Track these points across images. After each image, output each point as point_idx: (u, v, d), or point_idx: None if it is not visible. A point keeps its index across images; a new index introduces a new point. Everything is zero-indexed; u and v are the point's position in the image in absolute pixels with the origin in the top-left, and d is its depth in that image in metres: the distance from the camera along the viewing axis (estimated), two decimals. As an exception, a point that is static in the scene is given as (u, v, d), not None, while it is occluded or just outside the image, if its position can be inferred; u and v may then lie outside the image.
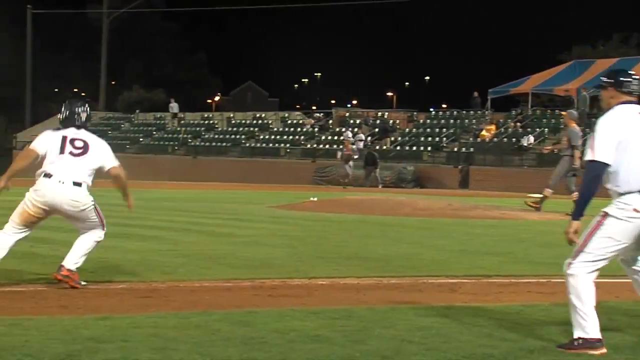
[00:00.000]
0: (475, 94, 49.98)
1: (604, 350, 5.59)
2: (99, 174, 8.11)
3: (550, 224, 17.77)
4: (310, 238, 13.14)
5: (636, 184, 5.71)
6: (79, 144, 7.94)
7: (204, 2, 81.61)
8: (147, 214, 17.19)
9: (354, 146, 40.68)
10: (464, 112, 49.20)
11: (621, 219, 5.71)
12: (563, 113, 21.32)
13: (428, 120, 49.74)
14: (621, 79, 5.88)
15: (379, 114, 52.71)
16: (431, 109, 55.42)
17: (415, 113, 51.53)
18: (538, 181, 37.02)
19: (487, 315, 6.76)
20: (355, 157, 39.32)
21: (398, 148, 45.40)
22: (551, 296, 8.07)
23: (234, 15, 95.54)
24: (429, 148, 44.48)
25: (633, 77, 5.91)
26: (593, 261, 5.80)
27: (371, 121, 49.96)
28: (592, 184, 5.79)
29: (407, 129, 48.71)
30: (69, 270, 7.76)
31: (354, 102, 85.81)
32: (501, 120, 46.28)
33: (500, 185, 37.87)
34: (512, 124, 45.09)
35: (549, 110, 47.58)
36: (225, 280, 8.51)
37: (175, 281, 8.36)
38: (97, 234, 8.01)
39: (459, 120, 47.90)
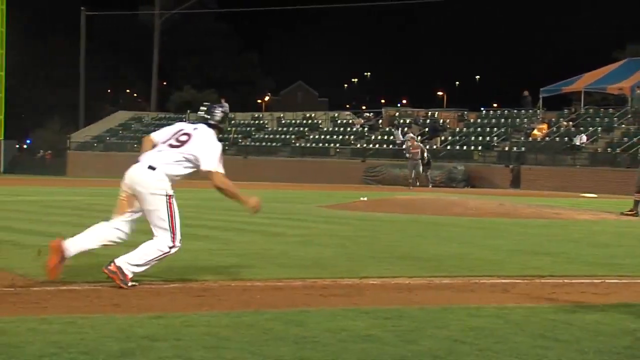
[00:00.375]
0: (526, 92, 49.54)
1: None
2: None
3: (604, 224, 17.58)
4: (361, 238, 13.14)
5: None
6: (183, 137, 7.93)
7: (256, 2, 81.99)
8: (199, 214, 17.33)
9: (419, 143, 40.18)
10: (515, 111, 48.81)
11: None
12: None
13: (479, 120, 49.45)
14: None
15: (429, 113, 52.52)
16: (482, 108, 55.05)
17: (465, 112, 51.24)
18: (590, 181, 36.78)
19: (540, 316, 6.70)
20: (425, 154, 38.96)
21: (448, 147, 45.21)
22: (605, 297, 7.97)
23: (284, 15, 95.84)
24: (480, 147, 44.23)
25: None
26: None
27: (421, 120, 49.77)
28: None
29: (458, 129, 48.47)
30: (117, 267, 7.62)
31: (404, 101, 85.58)
32: (553, 120, 45.84)
33: (552, 184, 37.56)
34: (565, 123, 44.63)
35: (602, 109, 47.01)
36: (276, 279, 8.53)
37: (227, 280, 8.41)
38: (163, 243, 7.72)
39: (510, 120, 47.54)
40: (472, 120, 49.45)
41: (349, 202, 22.21)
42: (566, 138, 42.44)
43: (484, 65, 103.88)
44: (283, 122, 56.97)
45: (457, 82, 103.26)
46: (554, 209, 21.17)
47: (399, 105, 76.75)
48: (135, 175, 7.74)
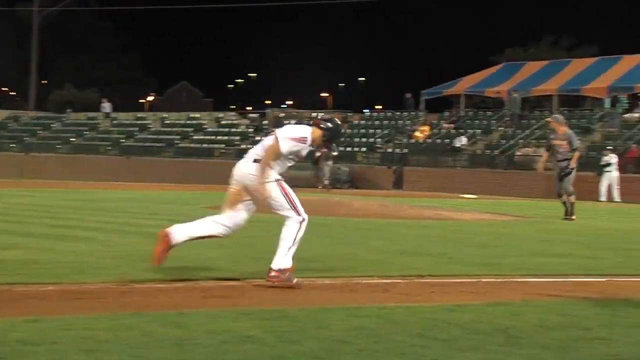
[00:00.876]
0: (408, 95, 50.39)
1: None
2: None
3: (484, 225, 18.00)
4: (244, 238, 13.05)
5: None
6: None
7: (139, 1, 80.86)
8: (79, 215, 16.99)
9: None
10: (398, 113, 49.57)
11: None
12: (549, 120, 20.98)
13: (362, 121, 50.01)
14: None
15: (314, 114, 52.84)
16: (365, 110, 55.73)
17: (349, 114, 51.78)
18: (470, 182, 37.64)
19: (419, 315, 6.80)
20: (335, 153, 38.86)
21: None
22: (483, 296, 8.17)
23: (169, 14, 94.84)
24: (364, 149, 44.70)
25: None
26: None
27: (306, 122, 49.97)
28: None
29: (342, 130, 48.88)
30: (277, 270, 8.21)
31: (290, 102, 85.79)
32: (435, 122, 46.75)
33: (434, 185, 38.26)
34: (446, 125, 45.58)
35: (480, 112, 48.24)
36: (158, 281, 8.43)
37: (106, 283, 8.25)
38: (293, 222, 8.31)
39: (392, 122, 48.23)
40: (356, 122, 49.99)
41: (233, 203, 22.07)
42: (447, 140, 43.32)
43: (368, 67, 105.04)
44: (167, 122, 56.38)
45: (342, 84, 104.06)
46: (436, 209, 21.57)
47: (283, 106, 76.92)
48: (242, 171, 8.36)
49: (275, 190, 8.27)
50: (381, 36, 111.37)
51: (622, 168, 34.17)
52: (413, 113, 48.49)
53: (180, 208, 20.42)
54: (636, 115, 41.41)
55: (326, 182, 36.91)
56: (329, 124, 8.61)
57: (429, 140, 44.09)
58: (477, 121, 45.79)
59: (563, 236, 15.58)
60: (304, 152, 8.57)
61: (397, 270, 9.80)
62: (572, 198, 19.29)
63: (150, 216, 17.28)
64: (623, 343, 6.00)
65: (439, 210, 21.48)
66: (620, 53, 46.75)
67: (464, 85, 49.42)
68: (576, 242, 14.22)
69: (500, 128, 43.94)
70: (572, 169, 19.17)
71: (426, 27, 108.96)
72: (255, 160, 8.30)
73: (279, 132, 8.41)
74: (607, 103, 44.36)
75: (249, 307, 6.98)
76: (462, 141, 42.09)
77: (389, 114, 50.69)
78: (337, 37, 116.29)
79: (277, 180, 8.31)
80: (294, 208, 8.32)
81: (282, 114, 54.17)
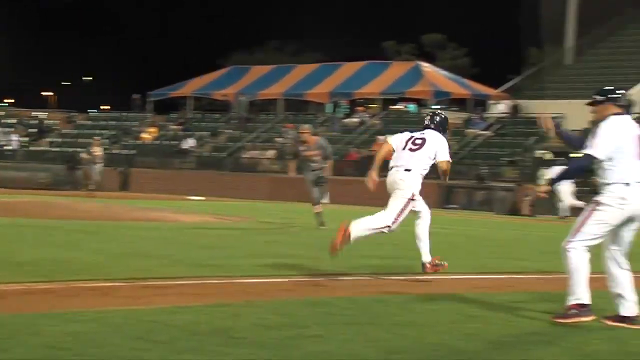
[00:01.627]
0: (135, 95, 49.85)
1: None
2: None
3: (209, 227, 18.12)
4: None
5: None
6: (418, 141, 9.95)
7: None
8: None
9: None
10: (125, 114, 48.90)
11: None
12: (302, 132, 19.42)
13: (88, 122, 48.88)
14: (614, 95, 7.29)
15: (33, 114, 51.13)
16: (91, 110, 54.51)
17: (74, 114, 50.46)
18: (198, 183, 37.75)
19: (140, 318, 6.72)
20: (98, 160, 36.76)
21: (57, 149, 44.09)
22: (205, 297, 8.20)
23: None
24: (89, 149, 43.64)
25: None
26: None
27: (26, 121, 48.21)
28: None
29: (66, 130, 47.51)
30: (429, 263, 9.89)
31: (10, 101, 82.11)
32: (162, 123, 46.51)
33: (162, 187, 37.98)
34: (173, 126, 45.48)
35: (207, 114, 48.60)
36: None
37: None
38: (385, 219, 9.60)
39: (120, 122, 47.50)
40: (81, 122, 48.76)
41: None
42: (175, 142, 43.22)
43: (95, 67, 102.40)
44: None
45: (67, 83, 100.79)
46: (162, 211, 21.46)
47: (3, 105, 73.54)
48: (394, 180, 9.79)
49: (403, 202, 9.69)
50: (109, 36, 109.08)
51: (341, 171, 35.51)
52: (140, 114, 47.99)
53: None
54: (355, 120, 43.24)
55: (93, 185, 34.75)
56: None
57: (157, 142, 43.80)
58: (204, 123, 46.04)
59: (286, 237, 16.00)
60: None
61: (119, 273, 9.62)
62: (320, 207, 18.77)
63: None
64: (336, 340, 6.23)
65: (165, 212, 21.39)
66: (341, 60, 48.61)
67: (191, 87, 49.47)
68: (298, 243, 14.63)
69: (227, 130, 44.41)
70: (326, 180, 18.62)
71: (151, 27, 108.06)
72: (407, 170, 9.74)
73: (441, 145, 9.94)
74: (329, 108, 46.06)
75: (-44, 316, 6.58)
76: (189, 143, 42.13)
77: (115, 114, 49.85)
78: (67, 33, 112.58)
79: (412, 197, 9.75)
80: (395, 218, 9.66)
81: (1, 113, 51.85)
